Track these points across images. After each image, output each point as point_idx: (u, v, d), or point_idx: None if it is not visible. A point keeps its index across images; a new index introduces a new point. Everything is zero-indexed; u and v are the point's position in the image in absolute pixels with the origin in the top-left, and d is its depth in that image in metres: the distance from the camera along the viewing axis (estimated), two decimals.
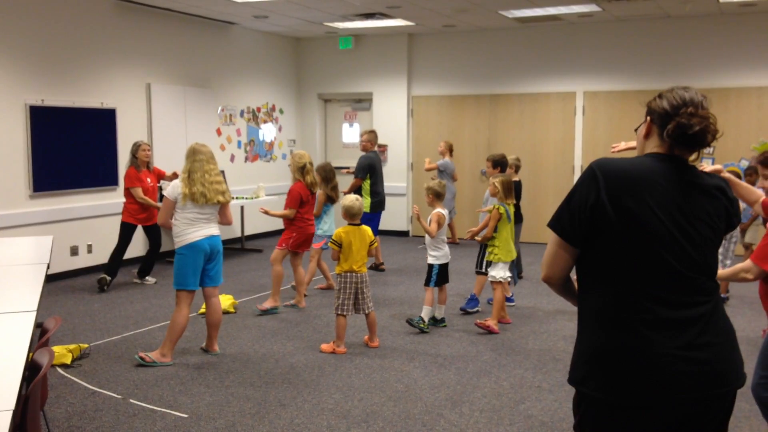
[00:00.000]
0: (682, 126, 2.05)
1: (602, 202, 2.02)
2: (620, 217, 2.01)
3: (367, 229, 5.82)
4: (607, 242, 2.04)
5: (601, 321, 2.06)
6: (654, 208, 2.00)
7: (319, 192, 7.34)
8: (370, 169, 8.71)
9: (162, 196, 8.71)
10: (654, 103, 2.16)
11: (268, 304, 6.78)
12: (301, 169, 6.83)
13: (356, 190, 8.65)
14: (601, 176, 2.04)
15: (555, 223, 2.13)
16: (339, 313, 5.66)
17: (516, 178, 7.56)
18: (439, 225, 6.21)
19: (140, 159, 7.88)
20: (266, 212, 6.98)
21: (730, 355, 2.08)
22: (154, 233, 8.12)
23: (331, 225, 7.50)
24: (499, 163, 7.35)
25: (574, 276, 2.23)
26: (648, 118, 2.17)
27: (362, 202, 5.95)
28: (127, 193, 7.87)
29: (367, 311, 5.75)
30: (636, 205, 2.00)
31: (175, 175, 8.33)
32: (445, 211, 6.33)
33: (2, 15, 7.65)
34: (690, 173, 2.10)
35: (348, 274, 5.66)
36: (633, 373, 1.99)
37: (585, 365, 2.09)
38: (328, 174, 7.43)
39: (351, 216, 5.78)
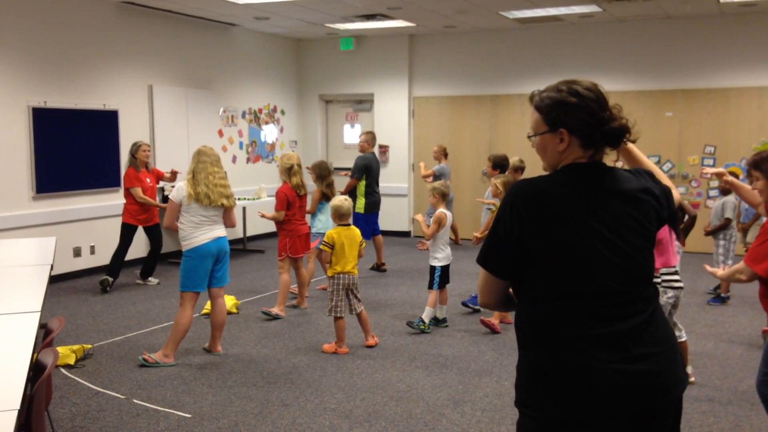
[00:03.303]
0: (618, 131, 2.01)
1: (526, 234, 1.96)
2: (546, 244, 1.96)
3: (356, 230, 5.82)
4: (537, 268, 1.99)
5: (537, 338, 2.01)
6: (579, 229, 1.95)
7: (315, 189, 7.34)
8: (366, 170, 8.70)
9: (165, 198, 8.79)
10: (567, 115, 2.01)
11: (275, 310, 6.75)
12: (288, 171, 6.78)
13: (351, 190, 8.66)
14: (522, 206, 1.97)
15: (484, 261, 2.06)
16: (335, 315, 5.68)
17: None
18: (441, 225, 6.23)
19: (140, 159, 7.90)
20: (263, 215, 6.98)
21: (671, 364, 2.02)
22: (154, 234, 8.14)
23: (326, 223, 7.49)
24: (500, 165, 7.36)
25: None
26: (562, 130, 2.02)
27: (350, 203, 5.94)
28: (127, 193, 7.90)
29: (358, 310, 5.77)
30: (561, 230, 1.95)
31: (173, 173, 8.33)
32: (448, 213, 6.35)
33: (4, 17, 7.68)
34: (613, 180, 2.03)
35: (340, 275, 5.67)
36: (574, 391, 1.93)
37: (524, 385, 2.03)
38: (323, 171, 7.40)
39: (340, 216, 5.78)
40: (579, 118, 2.01)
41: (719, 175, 3.96)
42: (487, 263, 2.06)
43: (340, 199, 5.84)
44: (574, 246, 1.95)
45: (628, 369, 1.93)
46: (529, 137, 2.15)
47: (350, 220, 5.87)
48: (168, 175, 8.30)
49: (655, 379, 1.97)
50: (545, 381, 1.97)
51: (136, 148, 7.91)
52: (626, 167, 2.21)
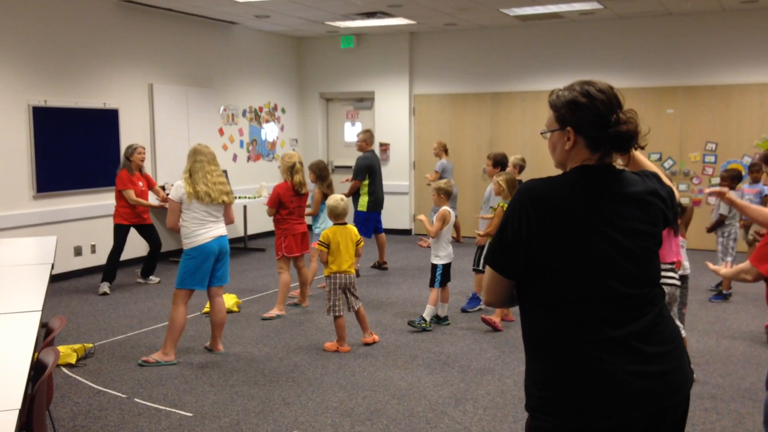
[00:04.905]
0: (624, 135, 1.99)
1: (535, 235, 1.94)
2: (554, 245, 1.94)
3: (353, 229, 5.81)
4: (545, 271, 1.97)
5: (547, 345, 1.99)
6: (588, 231, 1.94)
7: (316, 191, 7.34)
8: (368, 170, 8.68)
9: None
10: (574, 115, 2.02)
11: (274, 312, 6.74)
12: (290, 169, 6.76)
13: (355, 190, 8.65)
14: (531, 206, 1.95)
15: (491, 259, 2.06)
16: (334, 315, 5.68)
17: (519, 178, 7.54)
18: (444, 222, 6.21)
19: (134, 162, 7.83)
20: None
21: (681, 362, 2.03)
22: (149, 233, 8.07)
23: (328, 223, 7.47)
24: (500, 163, 7.35)
25: None
26: (569, 129, 2.03)
27: (346, 202, 5.93)
28: (119, 195, 7.77)
29: (356, 308, 5.76)
30: (569, 231, 1.93)
31: (163, 199, 8.29)
32: (451, 210, 6.35)
33: (5, 16, 7.67)
34: (622, 183, 2.03)
35: (337, 275, 5.65)
36: (590, 397, 1.92)
37: (538, 392, 2.00)
38: (322, 172, 7.40)
39: (336, 216, 5.77)
40: (585, 119, 2.01)
41: (720, 195, 3.83)
42: (495, 262, 2.06)
43: (336, 199, 5.82)
44: (583, 248, 1.94)
45: (644, 370, 1.93)
46: (541, 133, 2.16)
47: (346, 219, 5.85)
48: (158, 189, 8.28)
49: (668, 379, 1.97)
50: (559, 388, 1.95)
51: (131, 151, 7.84)
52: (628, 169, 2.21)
